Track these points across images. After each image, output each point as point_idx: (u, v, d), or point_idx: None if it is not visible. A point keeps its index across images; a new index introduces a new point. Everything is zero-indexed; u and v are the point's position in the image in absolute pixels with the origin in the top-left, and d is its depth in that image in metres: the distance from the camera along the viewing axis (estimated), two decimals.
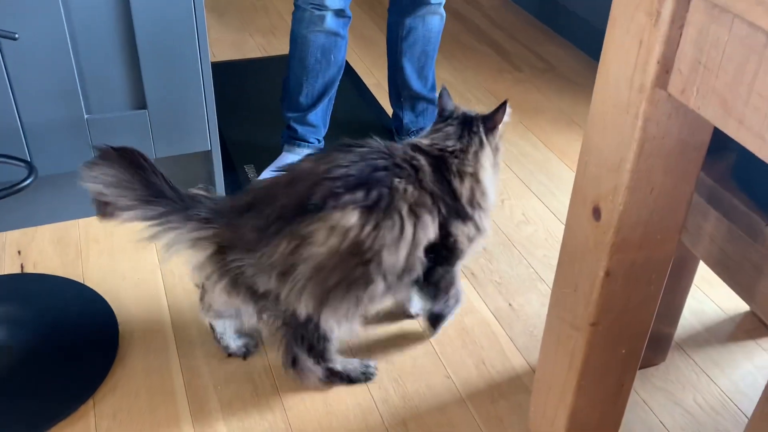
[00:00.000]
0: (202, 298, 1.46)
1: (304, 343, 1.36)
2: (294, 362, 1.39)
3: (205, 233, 1.26)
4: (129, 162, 1.24)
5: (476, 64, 2.72)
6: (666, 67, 0.88)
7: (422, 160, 1.35)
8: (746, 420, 1.43)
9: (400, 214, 1.27)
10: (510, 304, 1.71)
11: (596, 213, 1.04)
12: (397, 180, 1.28)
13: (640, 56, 0.89)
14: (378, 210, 1.25)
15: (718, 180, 1.18)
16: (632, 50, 0.91)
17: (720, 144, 1.09)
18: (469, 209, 1.38)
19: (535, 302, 1.72)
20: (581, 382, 1.18)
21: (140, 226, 1.26)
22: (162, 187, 1.26)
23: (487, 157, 1.40)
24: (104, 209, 1.26)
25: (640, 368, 1.26)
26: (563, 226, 1.67)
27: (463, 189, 1.37)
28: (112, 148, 1.25)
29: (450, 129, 1.41)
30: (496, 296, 1.73)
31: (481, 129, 1.41)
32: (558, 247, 1.87)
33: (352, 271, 1.26)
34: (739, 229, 1.13)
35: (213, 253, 1.28)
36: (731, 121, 0.81)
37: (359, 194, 1.24)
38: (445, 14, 2.06)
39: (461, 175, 1.37)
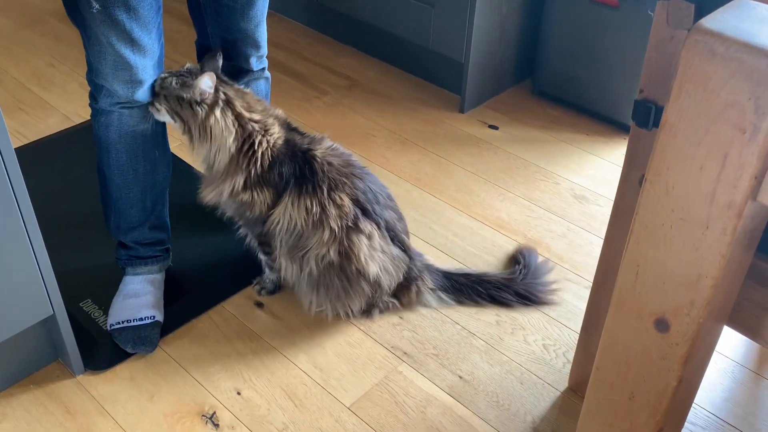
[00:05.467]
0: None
1: None
2: None
3: None
4: None
5: (279, 99, 2.46)
6: (760, 179, 0.78)
7: None
8: None
9: None
10: (460, 377, 1.58)
11: (662, 325, 0.94)
12: None
13: (726, 172, 0.79)
14: None
15: None
16: (711, 164, 0.79)
17: None
18: None
19: (481, 364, 1.61)
20: None
21: None
22: None
23: None
24: None
25: None
26: (461, 265, 1.82)
27: None
28: None
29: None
30: (441, 372, 1.59)
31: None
32: None
33: None
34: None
35: None
36: None
37: None
38: (270, 75, 1.80)
39: None
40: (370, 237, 1.57)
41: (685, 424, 1.44)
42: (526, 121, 2.40)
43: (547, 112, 2.44)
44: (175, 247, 1.79)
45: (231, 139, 1.52)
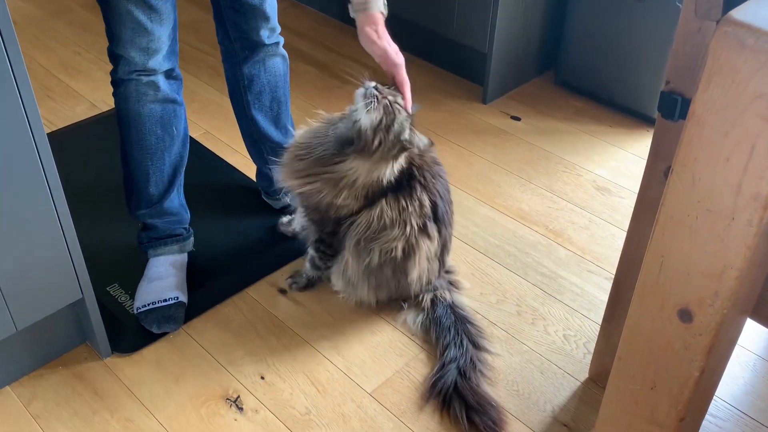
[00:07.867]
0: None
1: None
2: None
3: None
4: None
5: (300, 88, 2.48)
6: None
7: None
8: None
9: None
10: None
11: (685, 316, 0.95)
12: None
13: (753, 163, 0.79)
14: None
15: None
16: (737, 155, 0.80)
17: None
18: None
19: (501, 353, 1.62)
20: None
21: None
22: None
23: None
24: None
25: None
26: (482, 256, 1.79)
27: None
28: None
29: None
30: None
31: None
32: (487, 280, 1.79)
33: None
34: None
35: None
36: None
37: None
38: (287, 54, 1.82)
39: None
40: (431, 242, 1.59)
41: (706, 416, 1.44)
42: (549, 112, 2.40)
43: (569, 104, 2.44)
44: (201, 233, 1.82)
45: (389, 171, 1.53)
